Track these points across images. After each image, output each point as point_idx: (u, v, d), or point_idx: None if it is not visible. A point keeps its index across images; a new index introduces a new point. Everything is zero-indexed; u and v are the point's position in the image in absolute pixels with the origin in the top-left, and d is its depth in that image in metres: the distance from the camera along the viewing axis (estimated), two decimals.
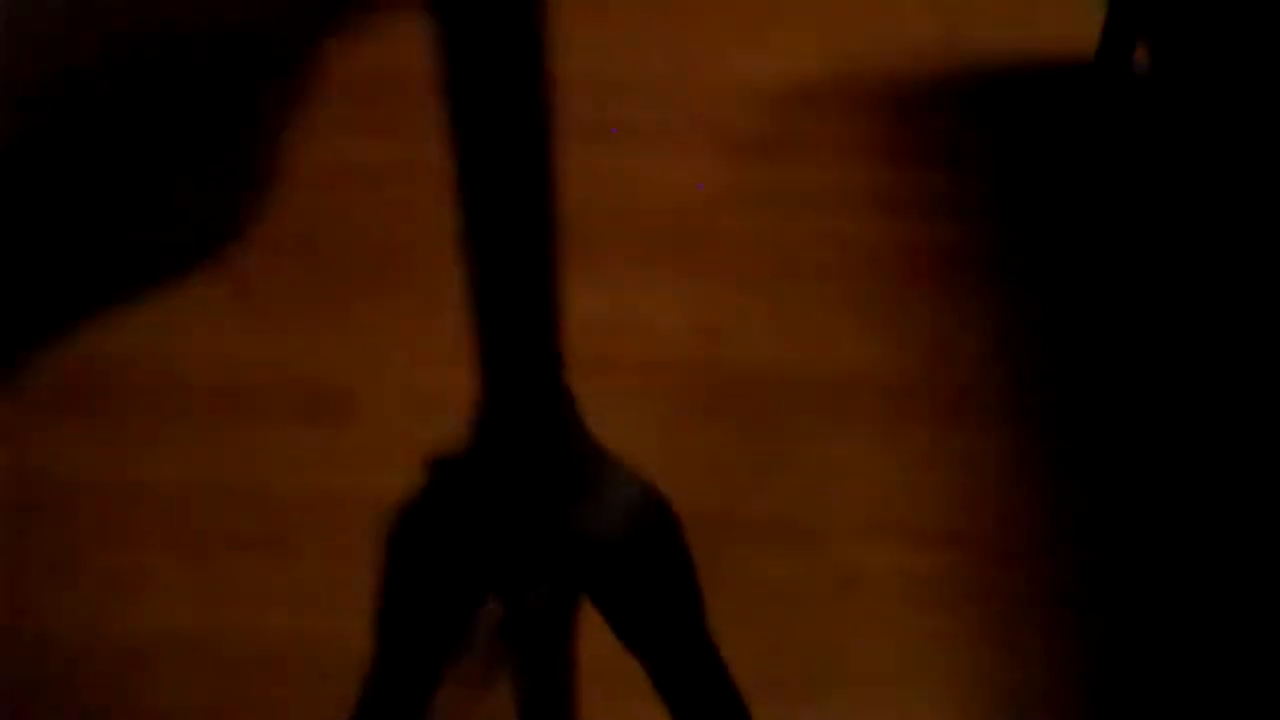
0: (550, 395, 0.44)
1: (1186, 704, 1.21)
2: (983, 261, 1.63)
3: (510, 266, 0.39)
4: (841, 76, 1.89)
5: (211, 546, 1.32)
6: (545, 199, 0.38)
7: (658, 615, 0.52)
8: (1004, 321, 1.56)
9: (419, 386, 1.47)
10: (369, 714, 0.57)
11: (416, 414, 1.44)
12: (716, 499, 1.36)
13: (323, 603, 1.27)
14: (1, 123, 1.58)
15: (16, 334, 1.49)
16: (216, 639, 1.24)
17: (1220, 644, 1.25)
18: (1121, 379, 1.49)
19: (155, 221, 1.64)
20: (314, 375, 1.48)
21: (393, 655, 0.54)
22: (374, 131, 1.77)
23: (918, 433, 1.43)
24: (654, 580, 0.51)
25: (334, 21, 1.91)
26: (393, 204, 1.68)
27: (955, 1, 2.02)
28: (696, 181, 1.72)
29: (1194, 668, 1.23)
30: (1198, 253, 1.62)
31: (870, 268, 1.62)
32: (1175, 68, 1.56)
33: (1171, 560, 1.31)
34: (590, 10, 2.00)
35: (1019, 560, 1.32)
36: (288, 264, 1.60)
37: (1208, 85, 1.46)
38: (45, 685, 1.20)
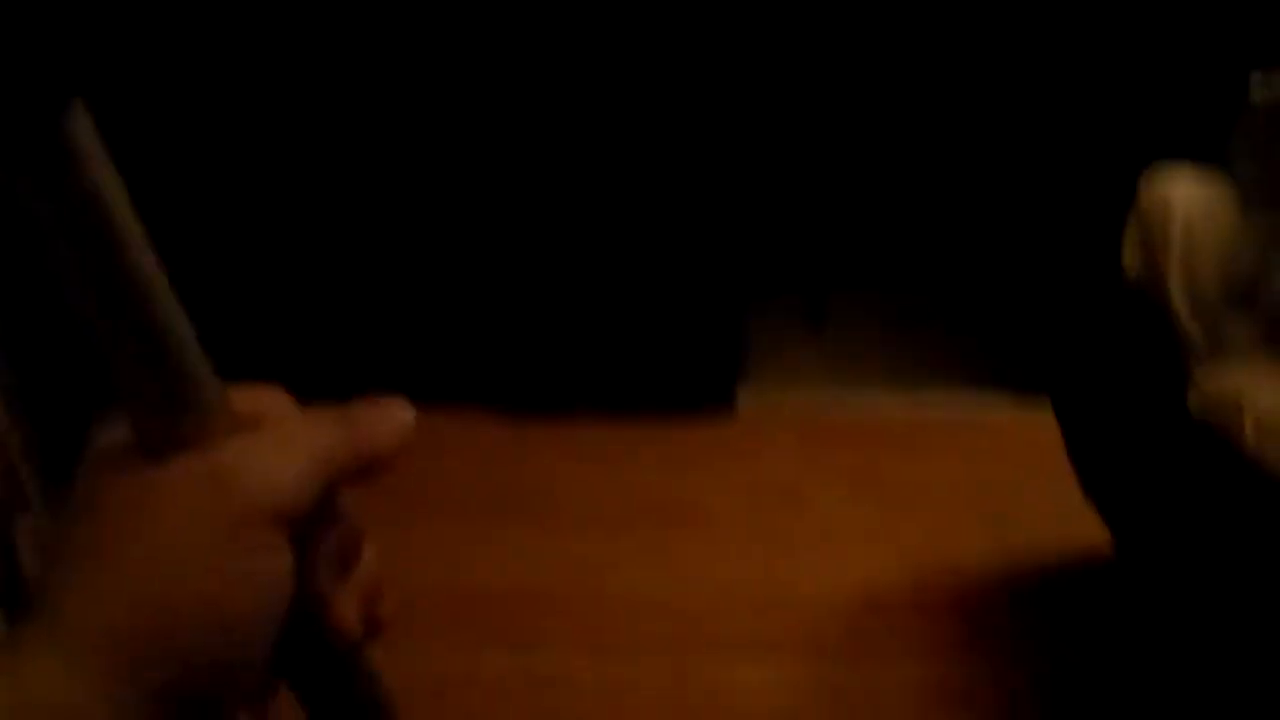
0: None
1: None
2: None
3: None
4: (909, 585, 2.17)
5: None
6: None
7: None
8: None
9: None
10: None
11: None
12: None
13: None
14: None
15: None
16: None
17: None
18: None
19: None
20: None
21: None
22: None
23: None
24: None
25: None
26: None
27: (1003, 508, 2.33)
28: (784, 685, 1.98)
29: None
30: None
31: None
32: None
33: None
34: (687, 531, 2.36)
35: None
36: None
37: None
38: None
